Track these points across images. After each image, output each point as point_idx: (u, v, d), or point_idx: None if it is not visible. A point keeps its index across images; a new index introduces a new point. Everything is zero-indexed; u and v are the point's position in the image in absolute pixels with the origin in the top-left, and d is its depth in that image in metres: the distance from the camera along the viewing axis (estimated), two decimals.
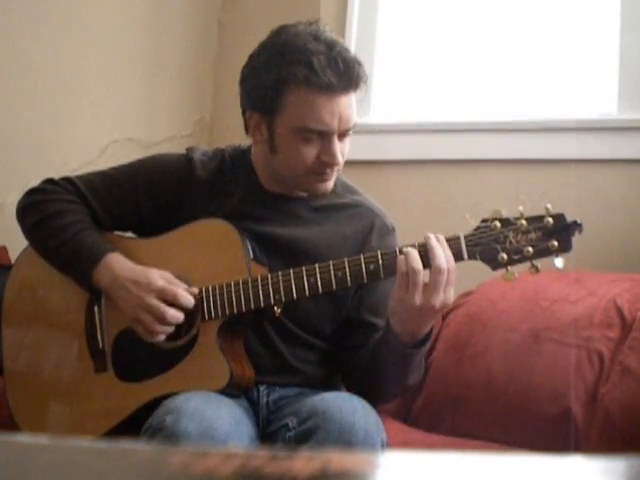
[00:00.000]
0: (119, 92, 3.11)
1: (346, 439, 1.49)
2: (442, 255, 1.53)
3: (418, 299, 1.53)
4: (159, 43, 3.24)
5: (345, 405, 1.55)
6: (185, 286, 1.71)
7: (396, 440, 1.82)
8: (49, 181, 1.87)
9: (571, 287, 2.19)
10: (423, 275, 1.54)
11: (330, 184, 1.76)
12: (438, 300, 1.54)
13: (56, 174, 1.92)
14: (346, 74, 1.66)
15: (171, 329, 1.70)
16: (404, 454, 0.55)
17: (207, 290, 1.69)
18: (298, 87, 1.66)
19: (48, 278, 1.81)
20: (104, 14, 3.05)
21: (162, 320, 1.67)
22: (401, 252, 1.58)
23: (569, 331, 2.09)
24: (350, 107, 1.70)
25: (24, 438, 0.56)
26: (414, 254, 1.54)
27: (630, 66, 2.67)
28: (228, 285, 1.67)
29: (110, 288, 1.72)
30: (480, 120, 2.90)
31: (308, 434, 1.53)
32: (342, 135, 1.72)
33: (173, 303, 1.68)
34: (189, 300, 1.69)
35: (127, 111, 3.15)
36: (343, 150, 1.73)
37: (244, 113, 1.78)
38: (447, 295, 1.54)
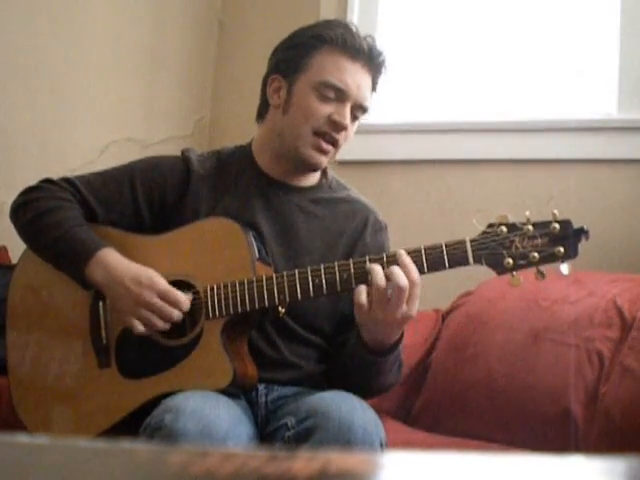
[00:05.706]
0: (119, 92, 3.11)
1: (345, 437, 1.49)
2: (402, 273, 1.57)
3: (381, 313, 1.58)
4: (159, 43, 3.25)
5: (344, 404, 1.55)
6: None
7: (396, 440, 1.82)
8: (46, 180, 1.87)
9: (571, 287, 2.19)
10: (386, 290, 1.58)
11: (324, 160, 1.80)
12: (400, 313, 1.58)
13: (56, 174, 1.92)
14: (374, 52, 1.79)
15: (168, 326, 1.70)
16: (404, 454, 0.55)
17: (212, 289, 1.69)
18: (331, 47, 1.77)
19: (52, 275, 1.81)
20: (104, 14, 3.05)
21: (167, 319, 1.68)
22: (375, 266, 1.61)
23: (569, 331, 2.09)
24: (368, 88, 1.79)
25: (24, 438, 0.56)
26: (378, 271, 1.58)
27: (630, 66, 2.68)
28: (233, 284, 1.68)
29: (104, 284, 1.72)
30: (480, 120, 2.91)
31: (307, 433, 1.53)
32: (353, 114, 1.78)
33: (172, 305, 1.69)
34: (187, 305, 1.70)
35: (126, 111, 3.15)
36: (349, 131, 1.79)
37: (265, 82, 1.85)
38: (410, 307, 1.59)
